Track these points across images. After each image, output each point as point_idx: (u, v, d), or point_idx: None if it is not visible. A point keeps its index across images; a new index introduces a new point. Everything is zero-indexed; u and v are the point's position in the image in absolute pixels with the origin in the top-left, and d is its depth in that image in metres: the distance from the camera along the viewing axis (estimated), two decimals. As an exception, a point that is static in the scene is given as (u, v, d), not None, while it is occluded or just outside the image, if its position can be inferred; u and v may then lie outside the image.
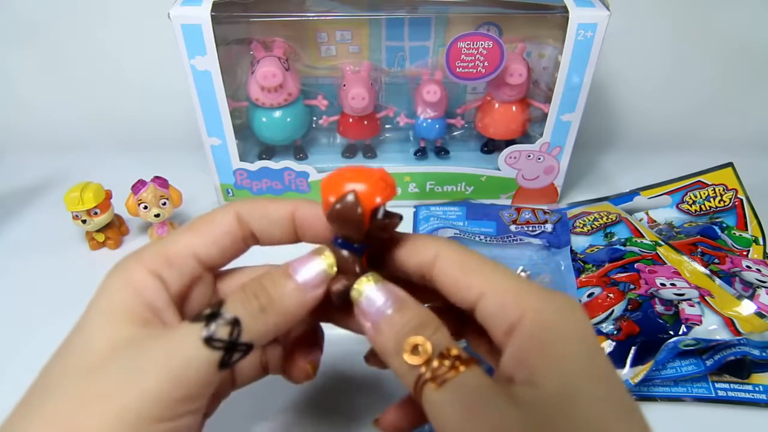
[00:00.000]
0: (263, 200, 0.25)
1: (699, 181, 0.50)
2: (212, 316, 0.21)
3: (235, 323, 0.21)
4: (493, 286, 0.22)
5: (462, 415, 0.19)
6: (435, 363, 0.20)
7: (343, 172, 0.23)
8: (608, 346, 0.37)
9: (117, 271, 0.22)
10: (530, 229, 0.48)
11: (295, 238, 0.26)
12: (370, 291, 0.23)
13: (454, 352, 0.21)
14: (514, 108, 0.50)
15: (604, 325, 0.38)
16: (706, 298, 0.38)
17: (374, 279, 0.23)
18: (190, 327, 0.20)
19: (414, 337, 0.21)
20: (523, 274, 0.42)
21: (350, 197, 0.22)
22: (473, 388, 0.20)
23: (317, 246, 0.24)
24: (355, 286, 0.23)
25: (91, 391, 0.19)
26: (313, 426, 0.35)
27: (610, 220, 0.48)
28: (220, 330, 0.20)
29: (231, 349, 0.20)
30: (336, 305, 0.24)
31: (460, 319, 0.25)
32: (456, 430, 0.19)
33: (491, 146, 0.55)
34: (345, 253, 0.23)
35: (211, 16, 0.42)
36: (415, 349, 0.21)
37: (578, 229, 0.48)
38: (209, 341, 0.20)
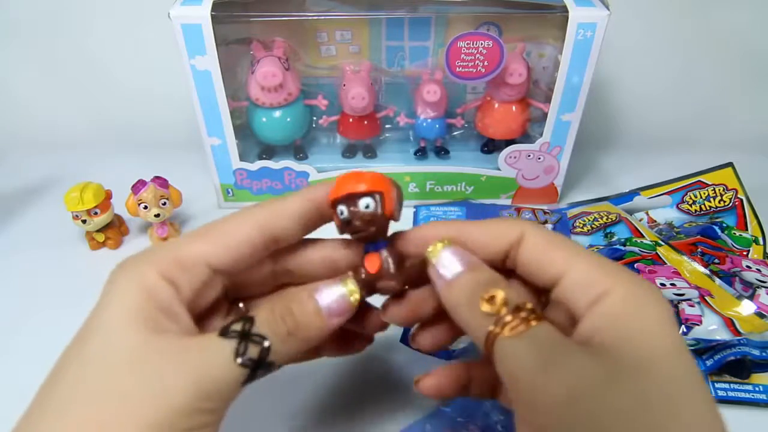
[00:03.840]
0: (277, 201, 0.25)
1: (699, 181, 0.50)
2: (244, 335, 0.21)
3: (266, 343, 0.21)
4: (581, 261, 0.22)
5: (538, 362, 0.19)
6: (509, 315, 0.21)
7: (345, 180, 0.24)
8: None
9: (127, 272, 0.22)
10: (530, 229, 0.48)
11: (316, 225, 0.26)
12: (445, 252, 0.24)
13: (529, 305, 0.21)
14: (514, 108, 0.50)
15: (604, 325, 0.38)
16: (706, 298, 0.38)
17: (449, 242, 0.24)
18: (220, 342, 0.21)
19: (492, 289, 0.22)
20: None
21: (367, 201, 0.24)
22: (549, 339, 0.20)
23: (343, 275, 0.25)
24: (430, 248, 0.24)
25: (117, 402, 0.19)
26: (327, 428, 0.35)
27: (610, 220, 0.48)
28: (251, 350, 0.21)
29: (257, 368, 0.21)
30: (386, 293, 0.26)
31: None
32: (531, 378, 0.19)
33: (491, 146, 0.55)
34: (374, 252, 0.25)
35: (211, 15, 0.42)
36: (491, 300, 0.22)
37: (578, 229, 0.48)
38: (240, 360, 0.21)
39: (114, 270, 0.22)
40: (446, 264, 0.24)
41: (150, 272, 0.22)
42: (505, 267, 0.25)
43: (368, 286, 0.25)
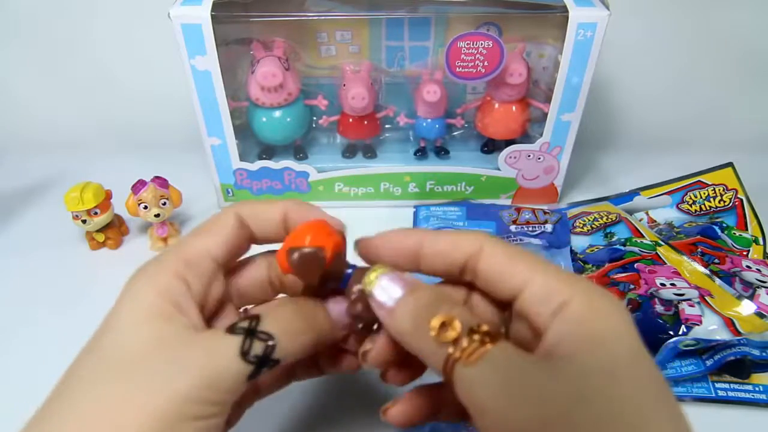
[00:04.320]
0: (257, 202, 0.27)
1: (699, 181, 0.50)
2: (250, 332, 0.22)
3: (271, 341, 0.22)
4: (540, 274, 0.22)
5: (500, 389, 0.19)
6: (465, 340, 0.20)
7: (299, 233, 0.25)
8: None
9: (140, 276, 0.23)
10: (530, 229, 0.48)
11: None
12: (380, 280, 0.24)
13: (484, 327, 0.21)
14: (514, 108, 0.50)
15: (604, 325, 0.38)
16: (706, 298, 0.38)
17: (382, 269, 0.24)
18: (227, 339, 0.22)
19: (441, 315, 0.21)
20: None
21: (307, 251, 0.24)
22: (508, 361, 0.20)
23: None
24: (365, 279, 0.24)
25: (125, 391, 0.20)
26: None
27: (610, 220, 0.48)
28: (256, 346, 0.22)
29: (262, 364, 0.22)
30: (356, 329, 0.26)
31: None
32: (495, 405, 0.19)
33: (491, 146, 0.55)
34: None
35: (211, 16, 0.42)
36: (443, 327, 0.21)
37: (578, 229, 0.48)
38: (245, 355, 0.21)
39: (130, 276, 0.24)
40: (385, 292, 0.23)
41: (162, 273, 0.23)
42: (464, 280, 0.25)
43: (361, 321, 0.25)
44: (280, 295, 0.28)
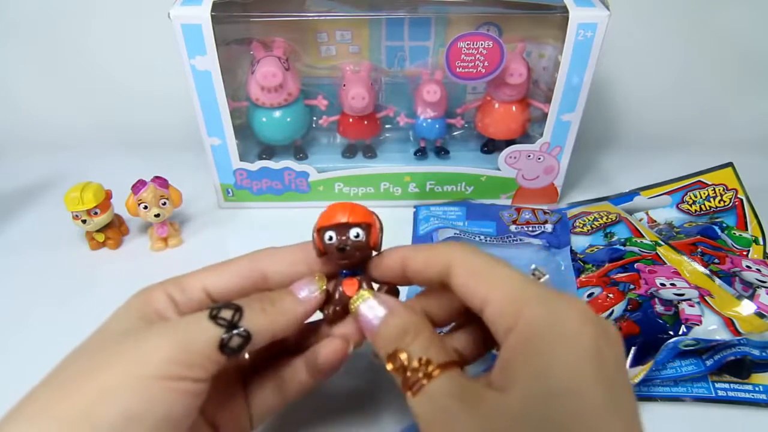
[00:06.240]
0: (276, 247, 0.28)
1: (699, 181, 0.50)
2: (231, 326, 0.24)
3: (238, 309, 0.24)
4: (495, 293, 0.22)
5: (428, 424, 0.21)
6: (409, 372, 0.22)
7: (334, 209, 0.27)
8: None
9: (138, 293, 0.26)
10: (530, 229, 0.48)
11: (303, 274, 0.28)
12: (363, 304, 0.26)
13: (427, 358, 0.22)
14: (514, 108, 0.50)
15: (604, 325, 0.38)
16: (705, 298, 0.38)
17: (368, 294, 0.26)
18: (198, 312, 0.24)
19: (395, 347, 0.23)
20: (537, 273, 0.42)
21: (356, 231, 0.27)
22: (440, 397, 0.21)
23: (315, 272, 0.28)
24: (351, 302, 0.26)
25: (105, 357, 0.22)
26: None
27: (610, 220, 0.48)
28: (224, 312, 0.24)
29: (231, 329, 0.23)
30: (329, 323, 0.28)
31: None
32: None
33: (491, 146, 0.55)
34: (348, 279, 0.28)
35: (211, 16, 0.42)
36: (394, 357, 0.23)
37: (578, 229, 0.48)
38: (214, 318, 0.23)
39: (129, 297, 0.26)
40: (365, 314, 0.25)
41: (156, 291, 0.25)
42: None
43: (345, 307, 0.27)
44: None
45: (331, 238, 0.26)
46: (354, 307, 0.26)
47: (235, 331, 0.23)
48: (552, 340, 0.20)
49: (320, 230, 0.27)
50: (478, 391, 0.21)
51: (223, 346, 0.23)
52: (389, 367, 0.23)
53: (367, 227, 0.27)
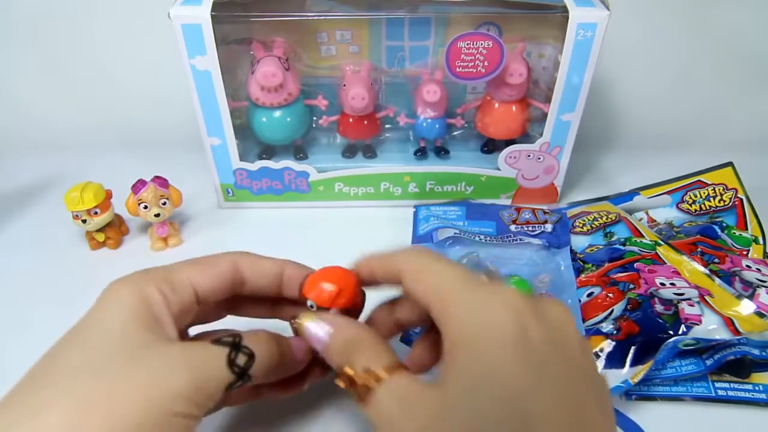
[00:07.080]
0: (258, 256, 0.29)
1: (699, 180, 0.50)
2: (236, 345, 0.24)
3: (252, 357, 0.25)
4: (433, 298, 0.24)
5: (378, 430, 0.22)
6: (358, 384, 0.23)
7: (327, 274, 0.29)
8: (608, 345, 0.37)
9: (125, 281, 0.25)
10: (530, 229, 0.48)
11: (278, 293, 0.30)
12: (308, 325, 0.27)
13: (368, 368, 0.23)
14: (514, 108, 0.50)
15: (603, 324, 0.38)
16: (705, 297, 0.38)
17: (309, 316, 0.27)
18: (216, 348, 0.24)
19: (343, 365, 0.24)
20: (488, 271, 0.42)
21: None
22: (387, 402, 0.22)
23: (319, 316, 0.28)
24: (295, 325, 0.28)
25: (123, 381, 0.21)
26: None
27: (609, 220, 0.48)
28: (241, 358, 0.24)
29: (242, 376, 0.24)
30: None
31: None
32: None
33: (491, 146, 0.55)
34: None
35: (211, 15, 0.42)
36: (341, 374, 0.24)
37: (578, 229, 0.48)
38: (232, 365, 0.24)
39: (111, 282, 0.25)
40: (311, 334, 0.27)
41: (147, 283, 0.25)
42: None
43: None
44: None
45: (312, 306, 0.28)
46: (301, 332, 0.27)
47: (239, 382, 0.24)
48: (475, 332, 0.21)
49: (303, 296, 0.29)
50: (422, 391, 0.22)
51: (230, 386, 0.24)
52: (341, 384, 0.24)
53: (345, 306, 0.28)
